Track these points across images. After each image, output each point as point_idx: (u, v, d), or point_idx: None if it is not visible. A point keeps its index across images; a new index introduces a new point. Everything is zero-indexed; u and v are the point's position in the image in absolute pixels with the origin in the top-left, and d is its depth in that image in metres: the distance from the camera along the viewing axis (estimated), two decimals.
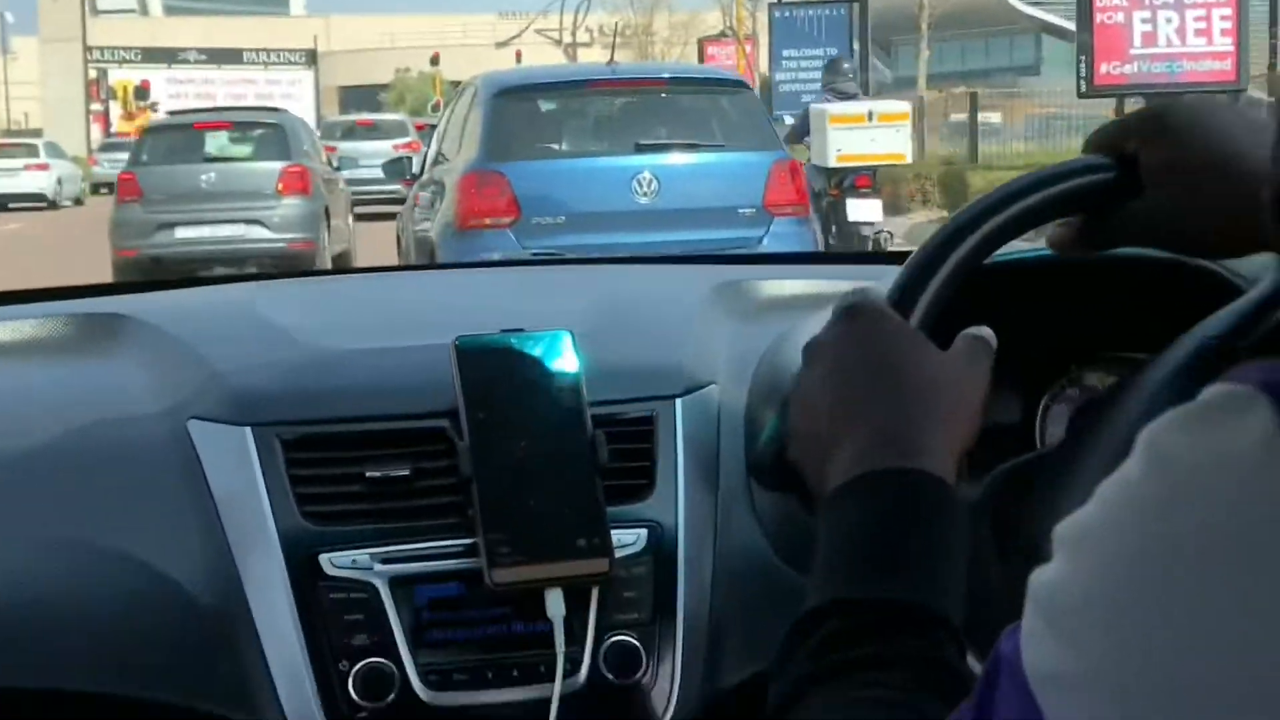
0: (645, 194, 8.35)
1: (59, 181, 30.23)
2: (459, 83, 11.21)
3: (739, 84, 9.46)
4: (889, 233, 11.60)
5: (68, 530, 1.41)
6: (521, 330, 1.47)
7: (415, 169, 10.34)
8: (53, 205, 29.13)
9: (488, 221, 8.24)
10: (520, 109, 8.77)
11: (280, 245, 12.52)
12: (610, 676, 1.38)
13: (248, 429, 1.42)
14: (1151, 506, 0.66)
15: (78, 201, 30.90)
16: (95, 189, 32.42)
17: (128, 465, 1.44)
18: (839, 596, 0.89)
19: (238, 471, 1.40)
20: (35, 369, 1.67)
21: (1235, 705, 0.62)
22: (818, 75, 18.12)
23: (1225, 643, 0.63)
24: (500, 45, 57.40)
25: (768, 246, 8.15)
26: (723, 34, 34.06)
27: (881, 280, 1.25)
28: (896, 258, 1.42)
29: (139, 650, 1.36)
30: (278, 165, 13.11)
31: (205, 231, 12.68)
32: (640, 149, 8.55)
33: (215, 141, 13.78)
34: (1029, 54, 36.72)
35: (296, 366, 1.52)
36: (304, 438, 1.42)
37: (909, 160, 12.02)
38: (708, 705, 1.40)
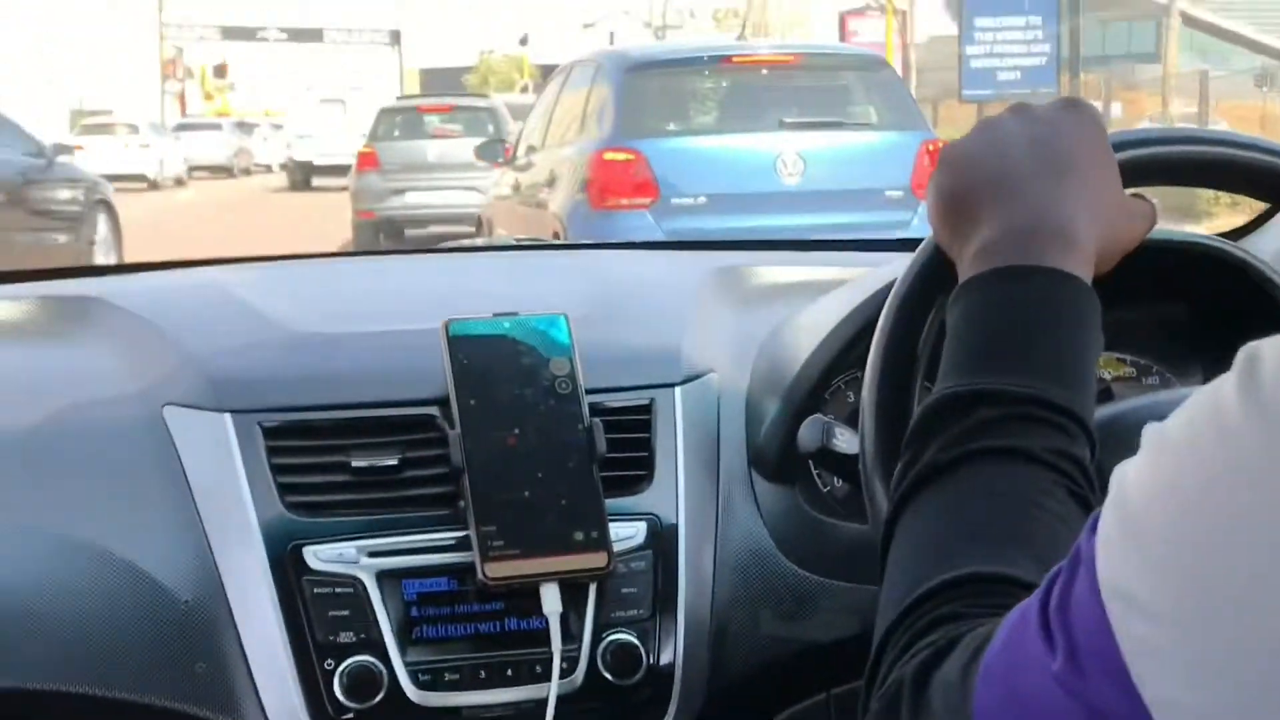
0: (790, 174, 8.13)
1: (160, 162, 30.44)
2: (551, 66, 11.16)
3: (878, 61, 9.30)
4: None
5: (36, 519, 1.36)
6: (515, 314, 1.42)
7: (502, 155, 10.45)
8: (154, 185, 29.27)
9: (624, 202, 8.04)
10: (652, 85, 8.57)
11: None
12: (609, 676, 1.34)
13: (227, 415, 1.37)
14: (1234, 423, 0.64)
15: (179, 182, 31.02)
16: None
17: (99, 453, 1.39)
18: (982, 386, 0.91)
19: (217, 460, 1.35)
20: (2, 352, 1.60)
21: None
22: (1017, 49, 17.38)
23: None
24: (587, 26, 57.19)
25: (917, 231, 7.83)
26: (866, 6, 33.15)
27: (888, 266, 1.33)
28: (907, 245, 1.37)
29: (112, 648, 1.31)
30: None
31: (429, 197, 14.90)
32: (784, 126, 8.32)
33: (436, 122, 16.21)
34: (1149, 40, 35.05)
35: (278, 350, 1.46)
36: (286, 425, 1.37)
37: None
38: (710, 704, 1.38)
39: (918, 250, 1.17)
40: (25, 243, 10.82)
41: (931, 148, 8.32)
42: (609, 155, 8.15)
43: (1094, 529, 0.69)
